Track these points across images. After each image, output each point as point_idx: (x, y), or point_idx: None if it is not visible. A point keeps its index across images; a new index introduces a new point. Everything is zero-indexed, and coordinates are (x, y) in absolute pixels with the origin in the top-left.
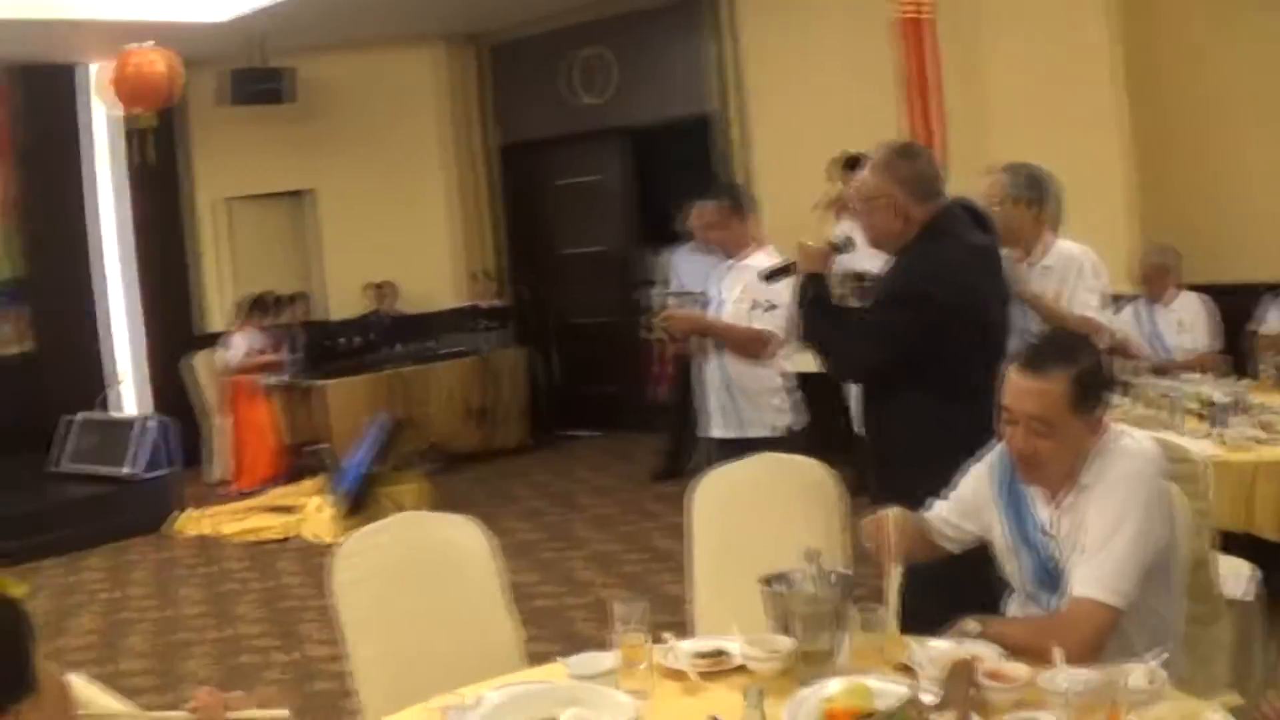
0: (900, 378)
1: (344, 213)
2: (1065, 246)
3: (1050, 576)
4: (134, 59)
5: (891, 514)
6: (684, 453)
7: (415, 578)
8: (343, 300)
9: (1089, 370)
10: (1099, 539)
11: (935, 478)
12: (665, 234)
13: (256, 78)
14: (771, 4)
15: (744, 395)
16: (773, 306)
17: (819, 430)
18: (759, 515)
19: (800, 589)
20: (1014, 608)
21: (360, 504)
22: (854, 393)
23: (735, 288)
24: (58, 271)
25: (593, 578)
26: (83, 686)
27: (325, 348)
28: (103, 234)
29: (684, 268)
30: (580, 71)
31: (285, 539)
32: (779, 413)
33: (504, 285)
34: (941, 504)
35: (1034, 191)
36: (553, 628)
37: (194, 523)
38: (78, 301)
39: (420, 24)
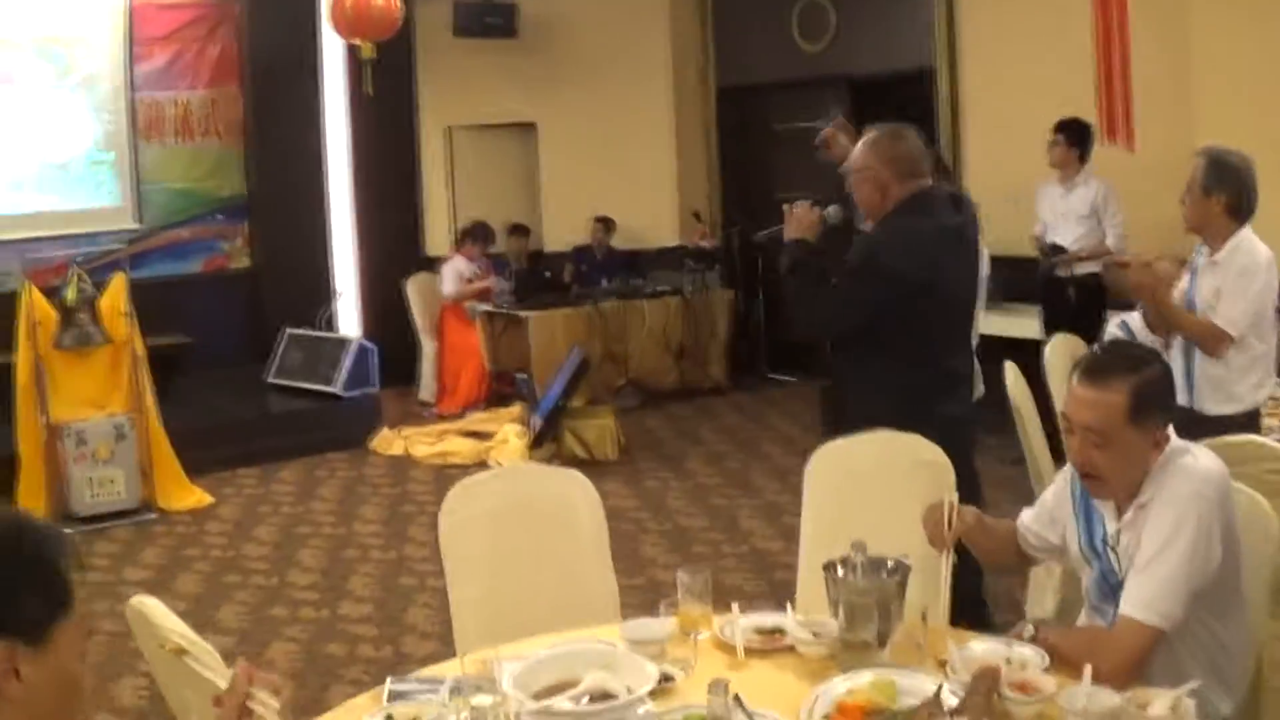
0: (866, 343)
1: (564, 147)
2: (1246, 246)
3: (1112, 590)
4: None
5: (950, 499)
6: None
7: (518, 527)
8: (559, 233)
9: (1150, 382)
10: (1147, 558)
11: None
12: None
13: (483, 10)
14: None
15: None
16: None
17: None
18: (871, 492)
19: (847, 577)
20: (1082, 618)
21: (546, 436)
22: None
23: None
24: (283, 191)
25: (755, 528)
26: (157, 609)
27: (536, 278)
28: (329, 156)
29: None
30: (799, 17)
31: (474, 464)
32: None
33: (715, 227)
34: (1028, 511)
35: (1218, 180)
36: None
37: (389, 442)
38: (301, 221)
39: None
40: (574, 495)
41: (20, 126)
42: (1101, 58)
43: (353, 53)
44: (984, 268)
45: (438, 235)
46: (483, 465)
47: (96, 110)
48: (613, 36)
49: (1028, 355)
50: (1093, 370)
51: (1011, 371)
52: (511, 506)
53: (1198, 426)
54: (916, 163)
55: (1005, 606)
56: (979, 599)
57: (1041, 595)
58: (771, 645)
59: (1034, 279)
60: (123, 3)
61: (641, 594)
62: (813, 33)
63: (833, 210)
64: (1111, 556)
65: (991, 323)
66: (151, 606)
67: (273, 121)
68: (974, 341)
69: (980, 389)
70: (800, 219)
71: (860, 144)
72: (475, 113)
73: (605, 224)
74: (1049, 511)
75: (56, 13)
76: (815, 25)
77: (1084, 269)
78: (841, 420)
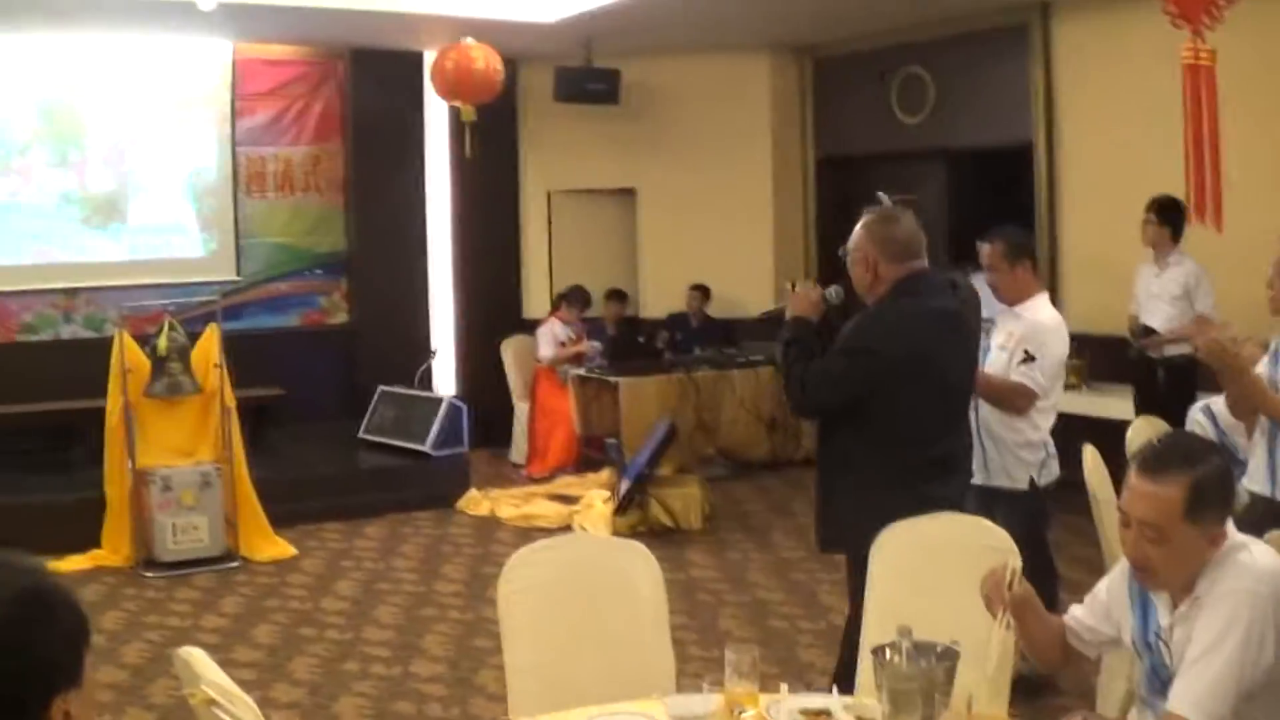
0: (847, 422)
1: (663, 213)
2: None
3: (1162, 685)
4: (453, 54)
5: (1014, 565)
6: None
7: (576, 597)
8: (655, 299)
9: (1208, 477)
10: (1196, 654)
11: (866, 518)
12: (975, 259)
13: (584, 77)
14: (1088, 35)
15: (995, 443)
16: (1031, 359)
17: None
18: (934, 574)
19: (892, 663)
20: (1133, 713)
21: (632, 503)
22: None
23: (1001, 335)
24: (382, 248)
25: (834, 604)
26: (201, 659)
27: (629, 344)
28: (429, 216)
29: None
30: (899, 89)
31: (559, 528)
32: (1026, 466)
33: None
34: (1077, 607)
35: None
36: (777, 648)
37: (476, 503)
38: (400, 278)
39: (746, 33)
40: (634, 567)
41: (124, 178)
42: (1191, 136)
43: (456, 115)
44: (1060, 346)
45: (536, 298)
46: (567, 529)
47: (199, 163)
48: (714, 105)
49: (1118, 437)
50: (1149, 463)
51: (1090, 455)
52: (570, 576)
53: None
54: (909, 245)
55: (1076, 693)
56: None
57: (1113, 680)
58: None
59: (1126, 359)
60: (228, 58)
61: (716, 667)
62: (912, 105)
63: (834, 291)
64: (1164, 650)
65: (1076, 402)
66: (196, 656)
67: (374, 179)
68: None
69: (1055, 470)
70: (802, 298)
71: (857, 226)
72: (576, 177)
73: (702, 292)
74: (1104, 604)
75: (163, 67)
76: (914, 98)
77: (1174, 350)
78: (830, 501)
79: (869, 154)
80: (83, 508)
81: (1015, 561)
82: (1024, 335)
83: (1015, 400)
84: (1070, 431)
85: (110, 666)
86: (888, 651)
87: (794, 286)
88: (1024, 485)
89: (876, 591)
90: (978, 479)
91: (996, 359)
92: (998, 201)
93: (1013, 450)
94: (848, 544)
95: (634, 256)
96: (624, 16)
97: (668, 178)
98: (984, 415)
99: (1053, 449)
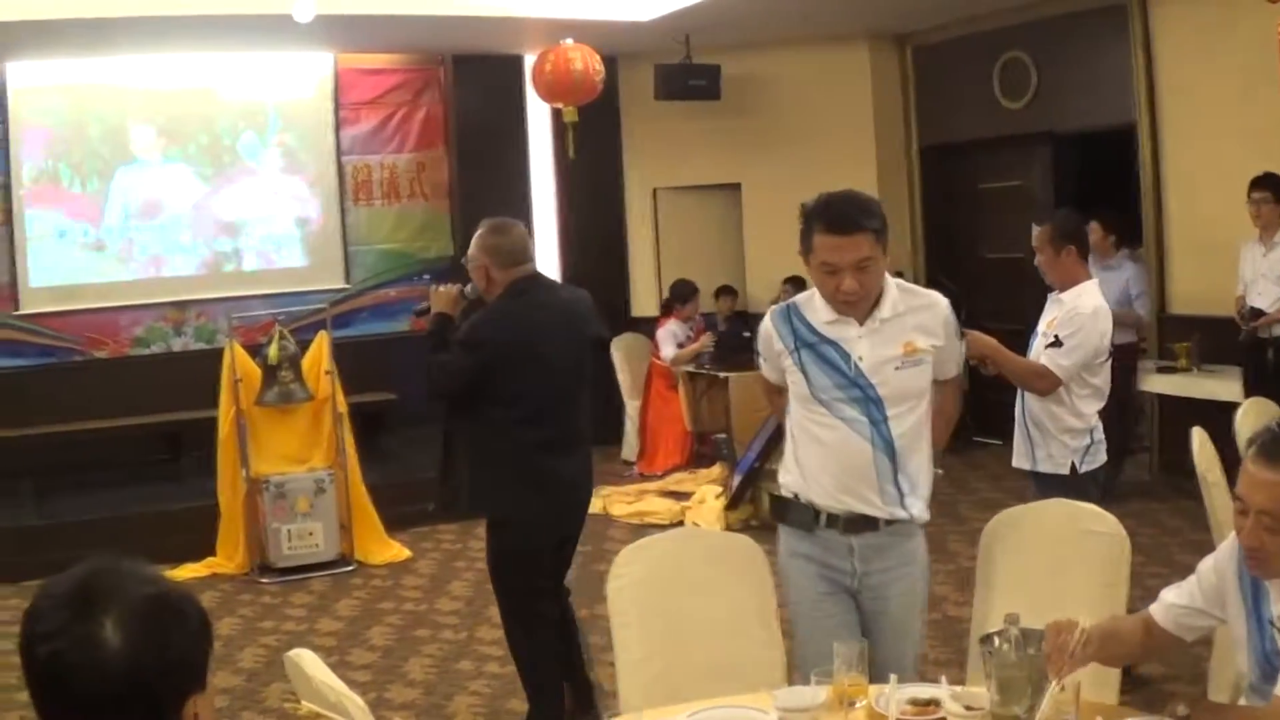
0: (476, 404)
1: (768, 207)
2: None
3: (1274, 671)
4: (552, 56)
5: (1084, 626)
6: None
7: (684, 590)
8: (762, 293)
9: None
10: None
11: (496, 488)
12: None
13: (684, 73)
14: (1187, 13)
15: (1037, 428)
16: (1058, 344)
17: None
18: (1040, 561)
19: (1000, 651)
20: (1242, 699)
21: (743, 498)
22: None
23: (1044, 320)
24: None
25: (947, 594)
26: (312, 662)
27: (736, 339)
28: (535, 217)
29: None
30: (1001, 74)
31: (671, 524)
32: (1069, 451)
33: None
34: (1172, 591)
35: None
36: None
37: None
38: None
39: (844, 23)
40: (744, 560)
41: (231, 189)
42: None
43: (558, 116)
44: (1095, 335)
45: (643, 296)
46: (679, 525)
47: (305, 173)
48: (815, 96)
49: (1227, 419)
50: (1270, 450)
51: (1199, 437)
52: (680, 571)
53: None
54: (516, 253)
55: (1187, 678)
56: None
57: (1224, 667)
58: (925, 717)
59: (1234, 340)
60: (329, 69)
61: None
62: (1014, 90)
63: (470, 288)
64: (1276, 637)
65: (1184, 384)
66: (307, 658)
67: (479, 183)
68: None
69: (1101, 457)
70: (443, 295)
71: (474, 238)
72: (680, 174)
73: (795, 284)
74: (1212, 587)
75: (266, 79)
76: (1017, 82)
77: None
78: (454, 473)
79: (973, 140)
80: (194, 516)
81: (1086, 622)
82: (1060, 320)
83: (1033, 382)
84: (1178, 414)
85: (226, 671)
86: (996, 639)
87: (438, 285)
88: (1065, 470)
89: (984, 581)
90: (1024, 464)
91: (1038, 343)
92: (1103, 184)
93: (1056, 436)
94: (485, 508)
95: (741, 251)
96: (721, 10)
97: (772, 171)
98: (1028, 402)
99: (1100, 435)
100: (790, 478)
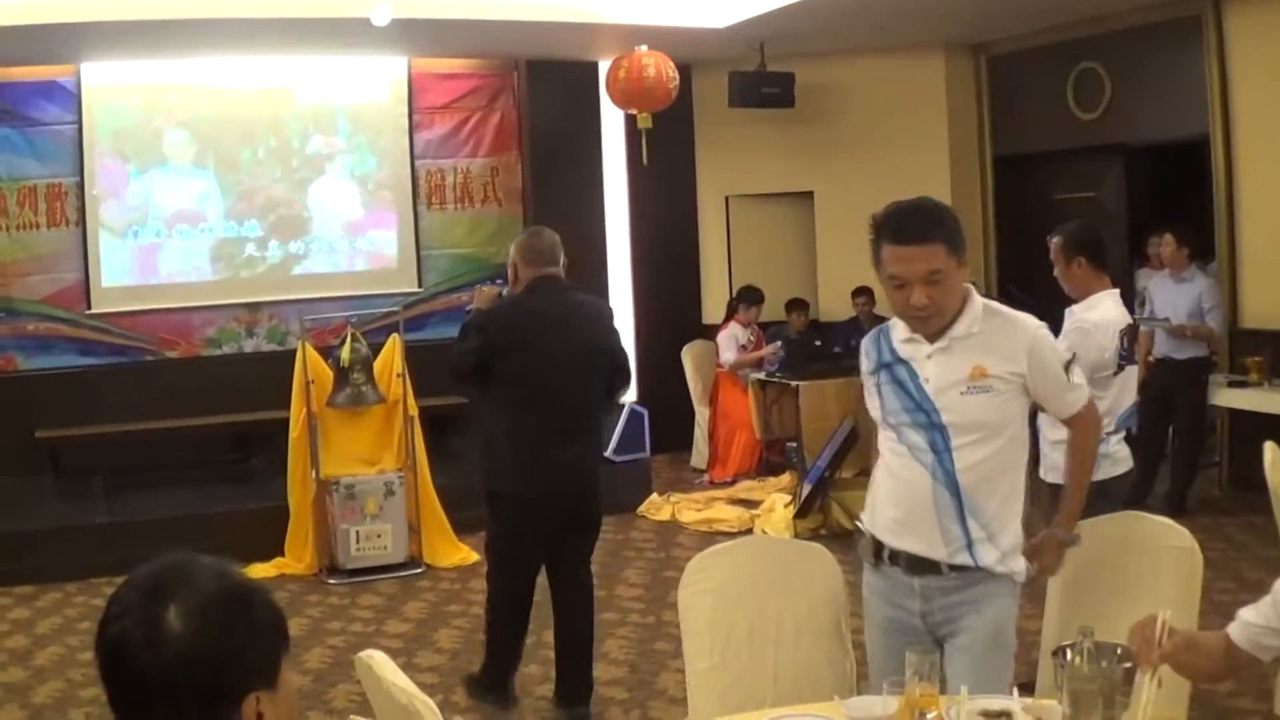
0: (486, 392)
1: (841, 216)
2: None
3: None
4: (625, 63)
5: (1164, 615)
6: (1144, 487)
7: (754, 599)
8: (834, 303)
9: None
10: None
11: (495, 465)
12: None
13: (758, 81)
14: (1262, 25)
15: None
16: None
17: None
18: (1110, 574)
19: (1073, 664)
20: None
21: (813, 506)
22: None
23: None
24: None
25: (1021, 605)
26: (384, 665)
27: (807, 347)
28: (608, 223)
29: (1158, 294)
30: (1075, 85)
31: (741, 531)
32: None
33: (994, 298)
34: (1250, 610)
35: None
36: None
37: (657, 508)
38: (579, 286)
39: (919, 33)
40: (814, 569)
41: (306, 192)
42: None
43: (631, 122)
44: (1094, 348)
45: (715, 303)
46: (748, 533)
47: (378, 176)
48: (889, 105)
49: None
50: None
51: (1271, 451)
52: (750, 579)
53: None
54: (540, 254)
55: (1255, 694)
56: None
57: None
58: None
59: None
60: (403, 73)
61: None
62: (1088, 101)
63: (508, 289)
64: None
65: (1256, 399)
66: (378, 660)
67: (552, 188)
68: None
69: (1115, 471)
70: (485, 294)
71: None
72: (753, 182)
73: (867, 295)
74: None
75: (341, 84)
76: (1091, 93)
77: None
78: (486, 453)
79: (1046, 151)
80: (264, 517)
81: (1166, 613)
82: (1066, 332)
83: (1094, 443)
84: (1249, 429)
85: (293, 672)
86: (1068, 652)
87: (482, 286)
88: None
89: (1057, 594)
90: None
91: None
92: (1176, 197)
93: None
94: (487, 482)
95: (813, 259)
96: (796, 19)
97: (845, 180)
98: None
99: (1112, 447)
100: (866, 508)
